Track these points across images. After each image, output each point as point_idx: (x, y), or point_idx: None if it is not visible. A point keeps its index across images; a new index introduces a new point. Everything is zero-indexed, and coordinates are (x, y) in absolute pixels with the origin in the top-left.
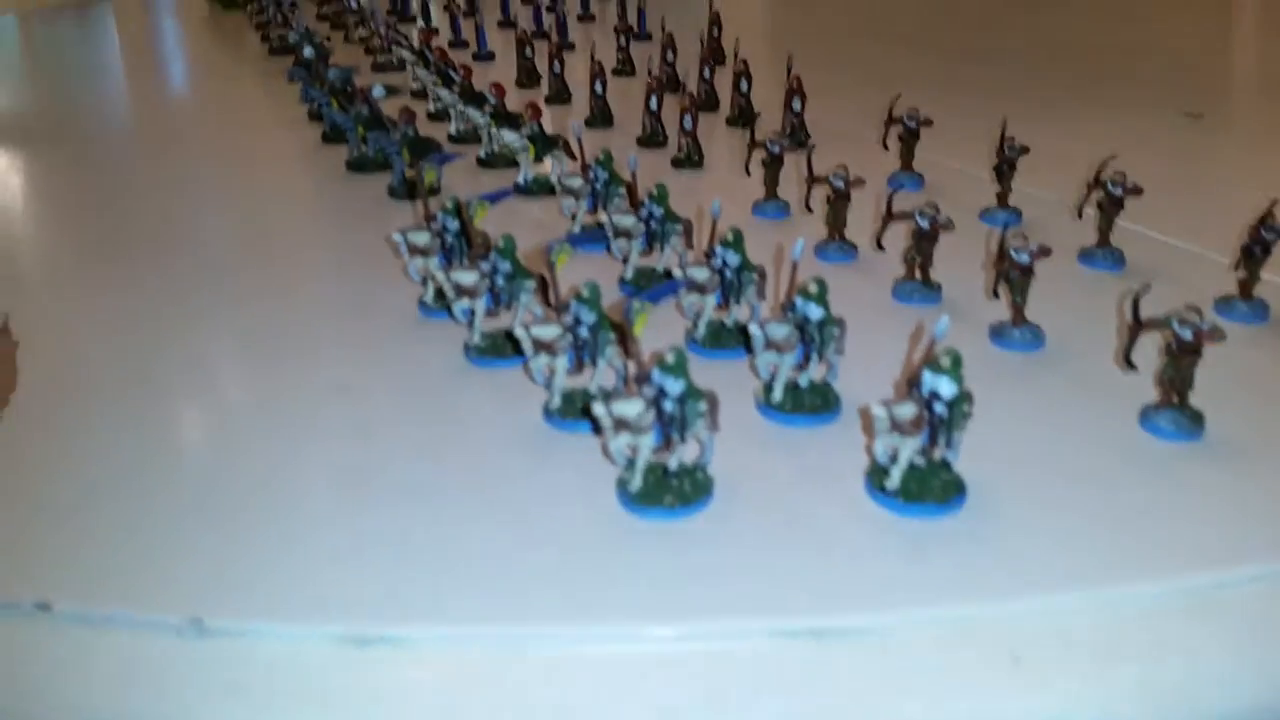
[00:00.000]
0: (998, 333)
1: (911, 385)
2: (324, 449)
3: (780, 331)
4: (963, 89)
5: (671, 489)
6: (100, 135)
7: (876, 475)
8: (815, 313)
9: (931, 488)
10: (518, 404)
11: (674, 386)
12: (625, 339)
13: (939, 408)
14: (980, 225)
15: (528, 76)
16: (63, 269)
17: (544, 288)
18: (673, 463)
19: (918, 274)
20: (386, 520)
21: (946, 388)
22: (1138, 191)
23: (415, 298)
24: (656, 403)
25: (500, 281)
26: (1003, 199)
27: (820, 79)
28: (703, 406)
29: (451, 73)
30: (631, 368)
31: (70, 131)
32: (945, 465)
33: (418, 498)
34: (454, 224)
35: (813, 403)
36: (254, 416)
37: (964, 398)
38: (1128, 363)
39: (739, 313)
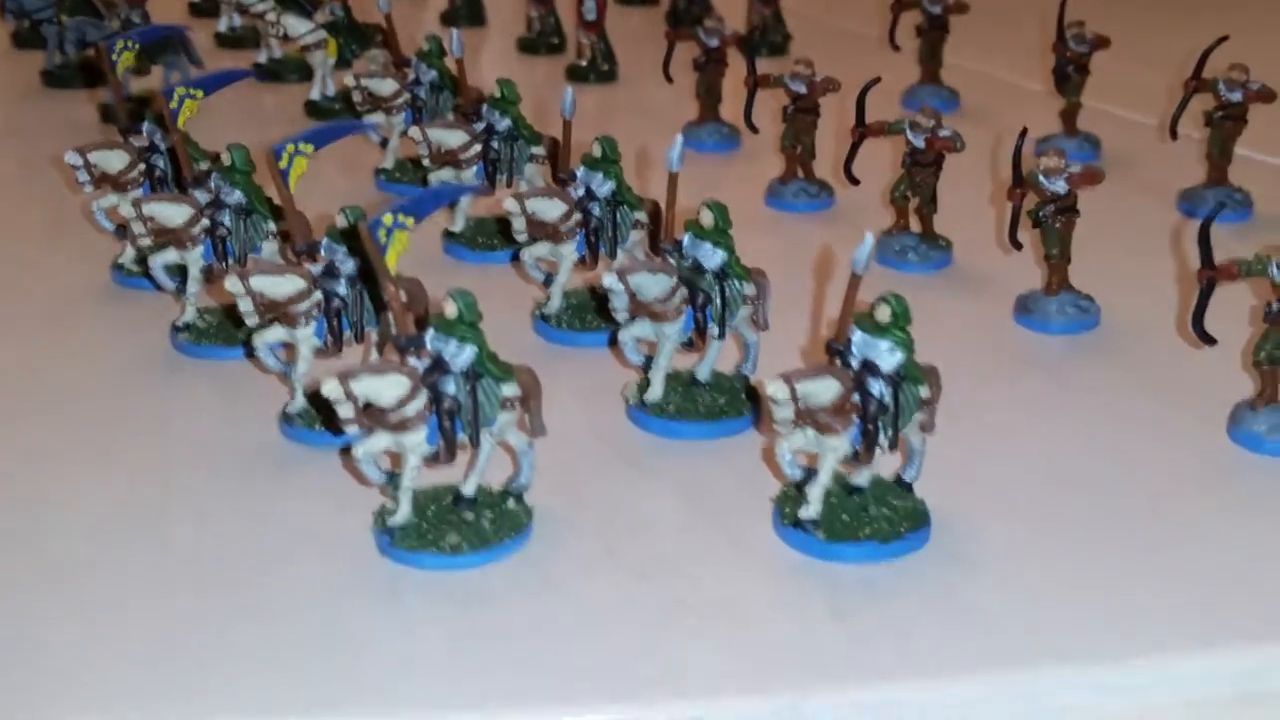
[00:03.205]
0: (1026, 306)
1: (833, 350)
2: None
3: (656, 287)
4: None
5: (458, 525)
6: None
7: (786, 501)
8: (712, 258)
9: (869, 519)
10: (244, 407)
11: (459, 356)
12: (380, 274)
13: (876, 387)
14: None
15: None
16: None
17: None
18: (467, 485)
19: (912, 222)
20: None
21: (887, 356)
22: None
23: (108, 258)
24: (431, 382)
25: (226, 220)
26: (1068, 119)
27: None
28: (510, 392)
29: None
30: (392, 325)
31: None
32: (899, 484)
33: (103, 547)
34: (163, 139)
35: (711, 403)
36: None
37: (918, 374)
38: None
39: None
